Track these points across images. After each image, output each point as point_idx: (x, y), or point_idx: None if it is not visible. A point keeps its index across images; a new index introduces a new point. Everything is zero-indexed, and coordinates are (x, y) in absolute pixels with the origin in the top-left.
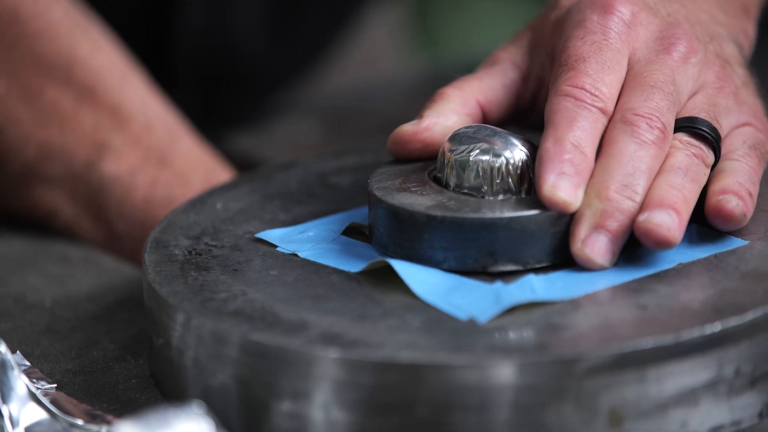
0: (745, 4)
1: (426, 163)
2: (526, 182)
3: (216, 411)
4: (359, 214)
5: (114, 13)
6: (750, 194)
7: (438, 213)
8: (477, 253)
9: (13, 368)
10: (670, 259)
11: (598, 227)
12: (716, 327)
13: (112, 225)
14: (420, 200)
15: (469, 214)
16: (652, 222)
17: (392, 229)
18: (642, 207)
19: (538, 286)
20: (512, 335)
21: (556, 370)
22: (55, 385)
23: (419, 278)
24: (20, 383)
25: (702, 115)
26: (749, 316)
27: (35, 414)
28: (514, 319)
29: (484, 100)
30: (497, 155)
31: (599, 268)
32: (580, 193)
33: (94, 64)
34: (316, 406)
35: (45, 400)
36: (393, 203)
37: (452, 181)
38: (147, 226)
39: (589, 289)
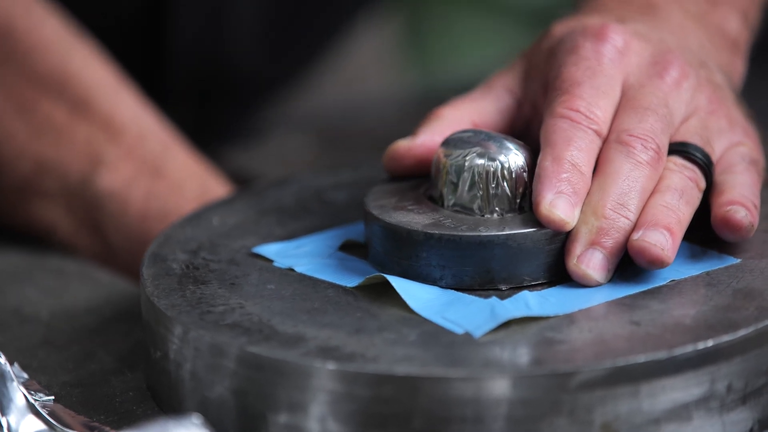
0: (734, 41)
1: (421, 181)
2: (521, 186)
3: (213, 423)
4: (355, 230)
5: (107, 29)
6: (755, 206)
7: (435, 231)
8: (474, 270)
9: (12, 380)
10: (663, 276)
11: (594, 244)
12: (709, 343)
13: (108, 238)
14: (417, 218)
15: (466, 232)
16: (645, 241)
17: (389, 247)
18: (636, 225)
19: (532, 302)
20: (507, 349)
21: (551, 384)
22: (53, 397)
23: (415, 293)
24: (19, 395)
25: (695, 140)
26: (741, 332)
27: (34, 425)
28: (508, 334)
29: (479, 120)
30: (492, 159)
31: (595, 284)
32: (577, 212)
33: (86, 77)
34: (313, 418)
35: (44, 412)
36: (390, 221)
37: (447, 191)
38: (143, 239)
39: (583, 304)
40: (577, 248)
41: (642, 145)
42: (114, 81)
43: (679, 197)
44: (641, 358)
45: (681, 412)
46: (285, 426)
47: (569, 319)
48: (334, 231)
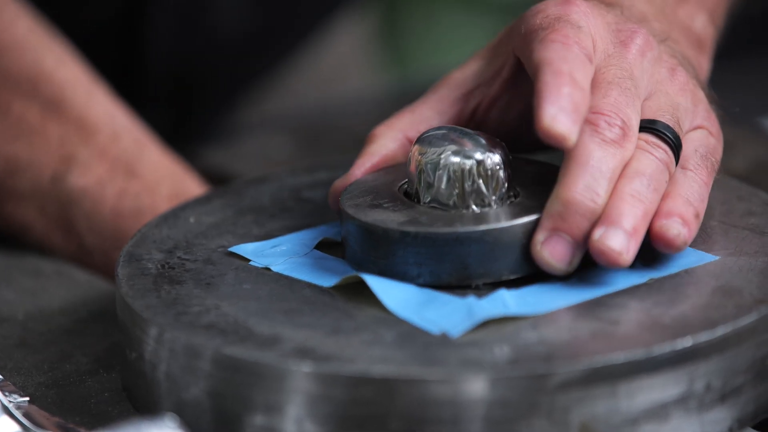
0: (699, 38)
1: (396, 177)
2: (497, 183)
3: (189, 424)
4: (332, 229)
5: (82, 29)
6: (696, 215)
7: (411, 229)
8: (451, 267)
9: None
10: (642, 275)
11: (557, 230)
12: (687, 342)
13: (82, 238)
14: (393, 216)
15: (442, 229)
16: (605, 244)
17: (366, 245)
18: (601, 217)
19: (510, 301)
20: (484, 350)
21: (528, 385)
22: (28, 399)
23: (392, 293)
24: None
25: (666, 118)
26: (720, 331)
27: (8, 427)
28: (486, 334)
29: (415, 134)
30: (468, 157)
31: (559, 272)
32: (577, 130)
33: (59, 77)
34: (289, 419)
35: (18, 414)
36: (366, 220)
37: (423, 189)
38: (116, 238)
39: (560, 304)
40: (541, 234)
41: (606, 122)
42: (87, 80)
43: (647, 184)
44: (619, 358)
45: (659, 412)
46: (261, 428)
47: (547, 318)
48: (311, 230)
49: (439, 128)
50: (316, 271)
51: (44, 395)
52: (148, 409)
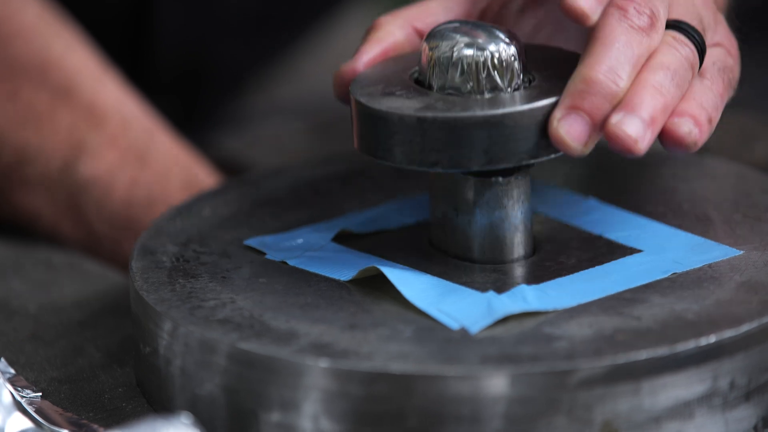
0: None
1: (406, 65)
2: (513, 76)
3: (203, 421)
4: (349, 221)
5: (91, 16)
6: (710, 120)
7: (428, 114)
8: (470, 151)
9: None
10: (664, 269)
11: (576, 108)
12: (711, 339)
13: (91, 226)
14: (407, 103)
15: (460, 114)
16: (622, 129)
17: (381, 134)
18: (621, 102)
19: (530, 296)
20: (504, 346)
21: (549, 382)
22: (41, 394)
23: (410, 283)
24: (5, 392)
25: (694, 23)
26: (745, 327)
27: (20, 423)
28: (506, 329)
29: (422, 25)
30: (482, 49)
31: (573, 153)
32: (600, 10)
33: (68, 64)
34: (305, 416)
35: (30, 409)
36: (380, 108)
37: (436, 82)
38: (127, 227)
39: (582, 299)
40: (559, 112)
41: (635, 8)
42: (97, 67)
43: (671, 78)
44: (642, 355)
45: (683, 410)
46: (277, 424)
47: (568, 314)
48: (328, 222)
49: (450, 21)
50: (332, 264)
51: (57, 390)
52: (162, 405)
